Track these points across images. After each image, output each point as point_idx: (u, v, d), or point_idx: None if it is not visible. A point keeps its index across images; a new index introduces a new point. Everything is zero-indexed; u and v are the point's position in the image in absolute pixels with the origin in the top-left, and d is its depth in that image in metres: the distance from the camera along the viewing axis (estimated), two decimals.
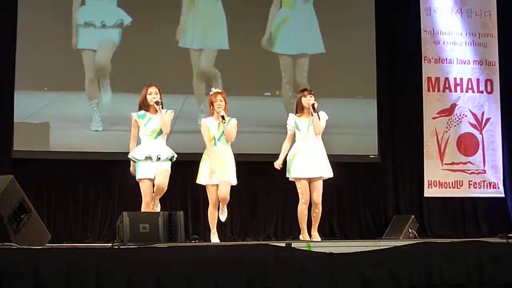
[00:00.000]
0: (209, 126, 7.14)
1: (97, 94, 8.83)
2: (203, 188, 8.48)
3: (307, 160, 7.15)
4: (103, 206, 8.82)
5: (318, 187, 7.19)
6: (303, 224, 7.24)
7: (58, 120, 8.69)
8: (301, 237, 7.30)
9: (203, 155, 7.15)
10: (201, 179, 7.15)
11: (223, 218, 7.25)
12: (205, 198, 8.37)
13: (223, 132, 7.10)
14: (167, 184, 6.89)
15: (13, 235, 5.37)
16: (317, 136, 7.19)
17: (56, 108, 8.71)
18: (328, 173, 7.23)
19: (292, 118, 7.27)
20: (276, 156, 8.33)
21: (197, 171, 8.10)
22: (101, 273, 4.41)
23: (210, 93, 7.26)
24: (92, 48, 8.86)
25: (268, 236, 9.12)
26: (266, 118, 9.19)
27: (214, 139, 7.11)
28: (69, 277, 4.36)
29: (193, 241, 7.38)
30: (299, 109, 7.27)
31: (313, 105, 7.15)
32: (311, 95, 7.22)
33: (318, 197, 7.19)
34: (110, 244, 5.70)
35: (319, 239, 7.27)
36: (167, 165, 6.92)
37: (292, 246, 5.13)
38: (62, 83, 8.74)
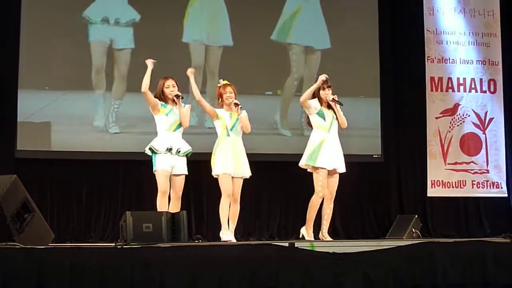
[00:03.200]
0: (221, 114, 7.01)
1: (103, 85, 8.81)
2: (205, 187, 8.48)
3: (332, 152, 7.12)
4: (106, 205, 8.83)
5: (336, 180, 7.20)
6: (313, 216, 7.15)
7: (60, 119, 8.69)
8: (303, 229, 7.19)
9: (216, 146, 7.02)
10: (215, 169, 6.97)
11: (228, 237, 7.02)
12: (208, 198, 8.38)
13: (235, 123, 7.00)
14: (181, 192, 6.92)
15: (16, 235, 5.37)
16: (336, 131, 7.20)
17: (57, 107, 8.70)
18: (344, 168, 7.26)
19: (317, 103, 7.17)
20: (280, 156, 8.36)
21: (199, 170, 8.10)
22: (104, 272, 4.41)
23: (219, 85, 7.13)
24: (104, 40, 8.85)
25: (271, 235, 9.12)
26: (269, 118, 9.18)
27: (227, 129, 6.99)
28: (72, 277, 4.36)
29: (196, 241, 7.38)
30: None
31: (333, 99, 7.14)
32: (329, 88, 7.19)
33: (334, 190, 7.20)
34: (114, 244, 5.71)
35: (331, 239, 7.25)
36: (185, 167, 6.89)
37: (296, 245, 5.13)
38: (64, 82, 8.74)
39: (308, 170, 7.26)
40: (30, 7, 8.68)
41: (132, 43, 8.91)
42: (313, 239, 7.16)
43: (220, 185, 6.97)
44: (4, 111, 8.59)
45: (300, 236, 7.18)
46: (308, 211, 7.18)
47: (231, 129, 6.99)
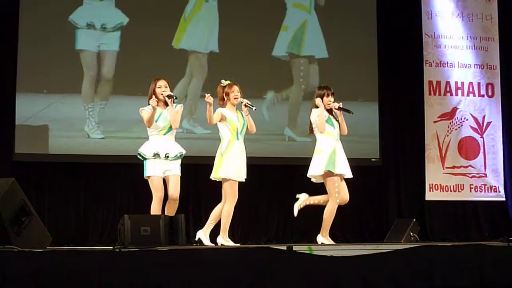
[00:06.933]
0: (229, 116, 6.85)
1: (93, 97, 8.80)
2: (204, 190, 8.47)
3: (344, 159, 7.15)
4: (104, 209, 8.81)
5: (346, 186, 7.21)
6: (331, 222, 7.14)
7: (57, 122, 8.68)
8: (323, 238, 7.14)
9: (225, 149, 6.82)
10: (224, 173, 6.79)
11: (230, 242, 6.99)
12: (206, 201, 8.37)
13: (243, 126, 6.89)
14: (179, 192, 6.77)
15: (14, 238, 5.37)
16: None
17: (55, 110, 8.69)
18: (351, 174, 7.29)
19: (325, 111, 7.16)
20: (276, 159, 8.35)
21: (197, 173, 8.09)
22: (102, 276, 4.40)
23: (222, 84, 6.97)
24: (91, 49, 8.84)
25: (269, 239, 9.12)
26: (265, 121, 9.18)
27: (237, 132, 6.86)
28: (70, 280, 4.36)
29: (194, 244, 7.38)
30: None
31: (340, 107, 7.17)
32: (332, 95, 7.20)
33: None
34: (111, 247, 5.70)
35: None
36: (177, 168, 6.76)
37: (294, 249, 5.13)
38: (62, 86, 8.72)
39: (314, 180, 7.25)
40: (28, 11, 8.67)
41: (118, 46, 8.88)
42: (333, 242, 7.20)
43: (227, 189, 6.82)
44: (2, 114, 8.58)
45: (320, 244, 7.09)
46: (326, 218, 7.12)
47: (240, 133, 6.87)
